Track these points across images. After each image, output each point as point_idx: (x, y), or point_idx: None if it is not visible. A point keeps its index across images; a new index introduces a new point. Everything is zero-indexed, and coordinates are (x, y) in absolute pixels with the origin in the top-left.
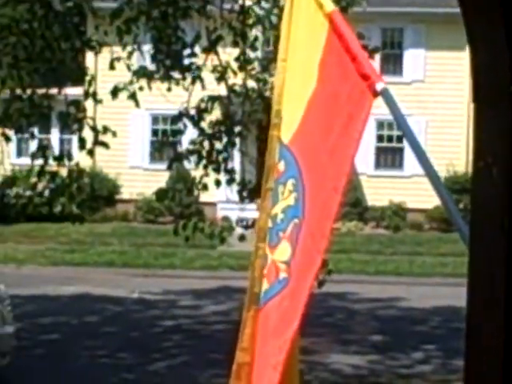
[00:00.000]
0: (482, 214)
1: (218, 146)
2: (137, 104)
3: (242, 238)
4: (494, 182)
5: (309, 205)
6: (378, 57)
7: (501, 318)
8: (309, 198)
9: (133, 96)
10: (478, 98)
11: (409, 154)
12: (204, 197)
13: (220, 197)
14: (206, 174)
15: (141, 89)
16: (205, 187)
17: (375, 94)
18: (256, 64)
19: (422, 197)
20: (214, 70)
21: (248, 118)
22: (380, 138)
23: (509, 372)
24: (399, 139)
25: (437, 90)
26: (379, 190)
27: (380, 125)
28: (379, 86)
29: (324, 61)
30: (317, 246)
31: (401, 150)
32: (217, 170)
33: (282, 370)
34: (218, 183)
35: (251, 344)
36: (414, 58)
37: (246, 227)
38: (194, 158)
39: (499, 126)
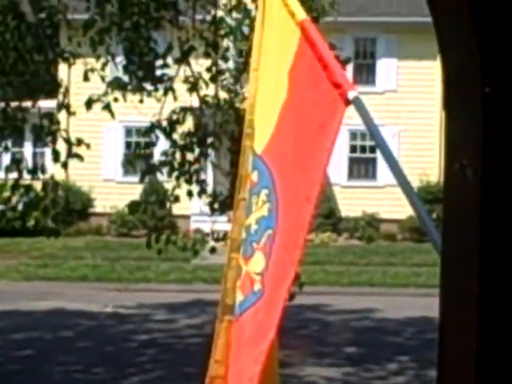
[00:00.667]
0: (454, 217)
1: (190, 157)
2: (112, 115)
3: (212, 250)
4: (467, 184)
5: (282, 215)
6: (350, 66)
7: (473, 330)
8: (282, 208)
9: (107, 107)
10: (449, 101)
11: (382, 164)
12: (178, 209)
13: (194, 209)
14: (178, 186)
15: (115, 100)
16: (176, 199)
17: (347, 102)
18: (228, 75)
19: (396, 207)
20: (186, 80)
21: (220, 129)
22: (353, 149)
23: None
24: (372, 149)
25: (409, 99)
26: (352, 201)
27: (353, 135)
28: (351, 95)
29: (294, 69)
30: (290, 256)
31: (374, 160)
32: (189, 182)
33: (261, 382)
34: (190, 194)
35: (225, 356)
36: (386, 67)
37: (217, 240)
38: (166, 170)
39: (472, 128)
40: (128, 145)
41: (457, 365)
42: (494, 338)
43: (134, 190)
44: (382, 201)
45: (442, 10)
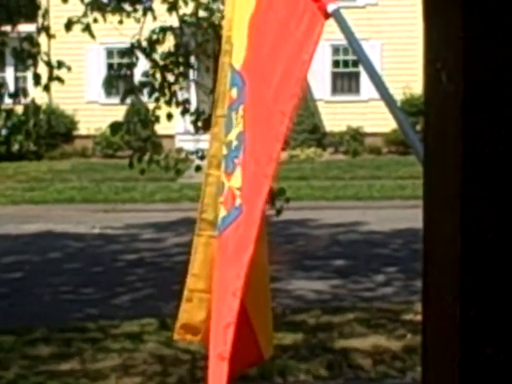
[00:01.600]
0: (434, 125)
1: (171, 77)
2: (92, 36)
3: (198, 168)
4: (443, 88)
5: (251, 130)
6: None
7: (457, 238)
8: (253, 123)
9: (87, 28)
10: (427, 5)
11: (365, 79)
12: (162, 129)
13: (178, 129)
14: (158, 107)
15: (95, 21)
16: (157, 119)
17: (326, 15)
18: None
19: (380, 120)
20: (164, 0)
21: (199, 48)
22: (336, 64)
23: (465, 286)
24: (355, 64)
25: (391, 12)
26: (337, 116)
27: (335, 50)
28: (330, 8)
29: None
30: (263, 170)
31: (357, 74)
32: (168, 103)
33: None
34: (169, 116)
35: (203, 270)
36: None
37: (202, 158)
38: (147, 91)
39: (447, 30)
40: (110, 66)
41: (441, 272)
42: (478, 241)
43: (117, 112)
44: (367, 115)
45: None
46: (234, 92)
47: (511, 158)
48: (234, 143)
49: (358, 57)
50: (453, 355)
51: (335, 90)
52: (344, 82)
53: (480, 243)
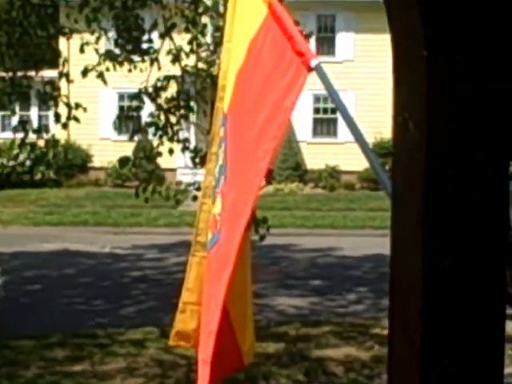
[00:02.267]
0: (401, 166)
1: (173, 119)
2: (104, 83)
3: (194, 198)
4: (410, 135)
5: (236, 164)
6: (313, 39)
7: (419, 263)
8: (237, 158)
9: (101, 76)
10: (397, 66)
11: (342, 124)
12: (166, 163)
13: (179, 163)
14: (161, 143)
15: (107, 69)
16: (159, 154)
17: (309, 69)
18: (206, 48)
19: (354, 160)
20: (169, 52)
21: (198, 94)
22: (317, 110)
23: (426, 306)
24: (333, 111)
25: (364, 68)
26: (317, 155)
27: (317, 99)
28: (313, 63)
29: (255, 40)
30: (244, 198)
31: (335, 120)
32: (171, 140)
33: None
34: (170, 151)
35: (196, 285)
36: (345, 40)
37: (198, 189)
38: (152, 130)
39: (414, 85)
40: (121, 108)
41: (406, 294)
42: (438, 268)
43: (127, 148)
44: (343, 155)
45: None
46: (222, 131)
47: (468, 196)
48: (217, 175)
49: (336, 105)
50: (415, 364)
51: (316, 133)
52: (323, 126)
53: (440, 270)
